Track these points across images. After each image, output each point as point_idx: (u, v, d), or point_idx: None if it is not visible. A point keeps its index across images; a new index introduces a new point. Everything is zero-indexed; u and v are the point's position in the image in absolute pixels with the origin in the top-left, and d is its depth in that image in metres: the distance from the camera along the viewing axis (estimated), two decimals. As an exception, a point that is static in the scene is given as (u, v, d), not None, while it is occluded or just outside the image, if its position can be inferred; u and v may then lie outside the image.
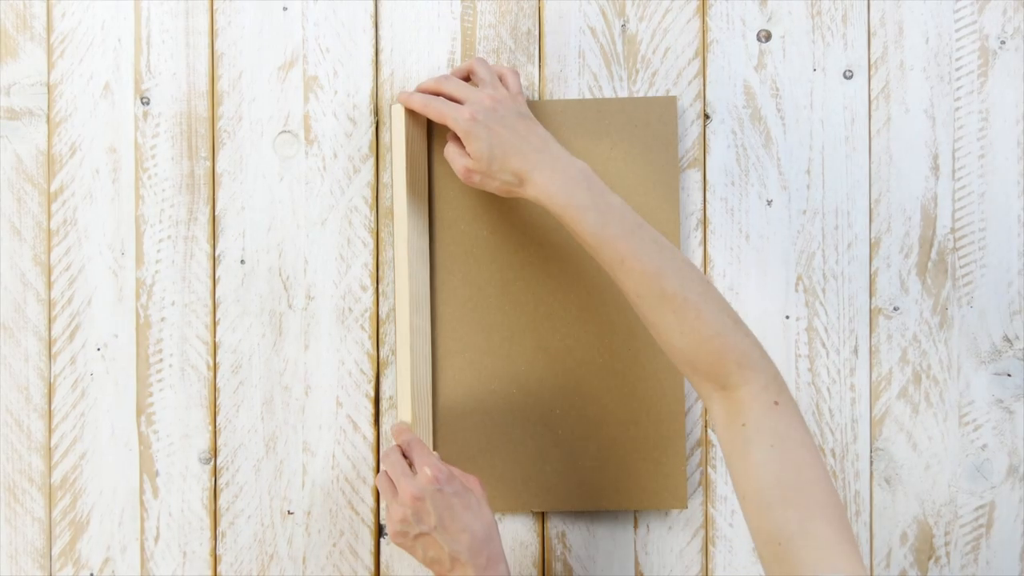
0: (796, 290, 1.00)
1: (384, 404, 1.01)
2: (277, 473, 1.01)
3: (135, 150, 1.01)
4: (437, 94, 0.93)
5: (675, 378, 0.98)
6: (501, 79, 0.95)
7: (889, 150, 1.00)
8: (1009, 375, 1.00)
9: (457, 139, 0.92)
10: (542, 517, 1.01)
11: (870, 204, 1.00)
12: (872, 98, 1.00)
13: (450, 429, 0.98)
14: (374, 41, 1.01)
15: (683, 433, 0.97)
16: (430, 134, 0.99)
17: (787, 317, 1.00)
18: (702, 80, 1.00)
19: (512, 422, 0.98)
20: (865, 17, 1.00)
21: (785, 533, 0.75)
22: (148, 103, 1.01)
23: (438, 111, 0.92)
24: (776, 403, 0.81)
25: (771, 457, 0.79)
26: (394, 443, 0.94)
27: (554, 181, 0.88)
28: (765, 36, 1.00)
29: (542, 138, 0.90)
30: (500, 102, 0.91)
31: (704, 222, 1.00)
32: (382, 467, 0.92)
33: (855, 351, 1.00)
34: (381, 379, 1.01)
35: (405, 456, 0.92)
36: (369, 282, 1.01)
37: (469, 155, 0.90)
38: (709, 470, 1.00)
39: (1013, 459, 1.00)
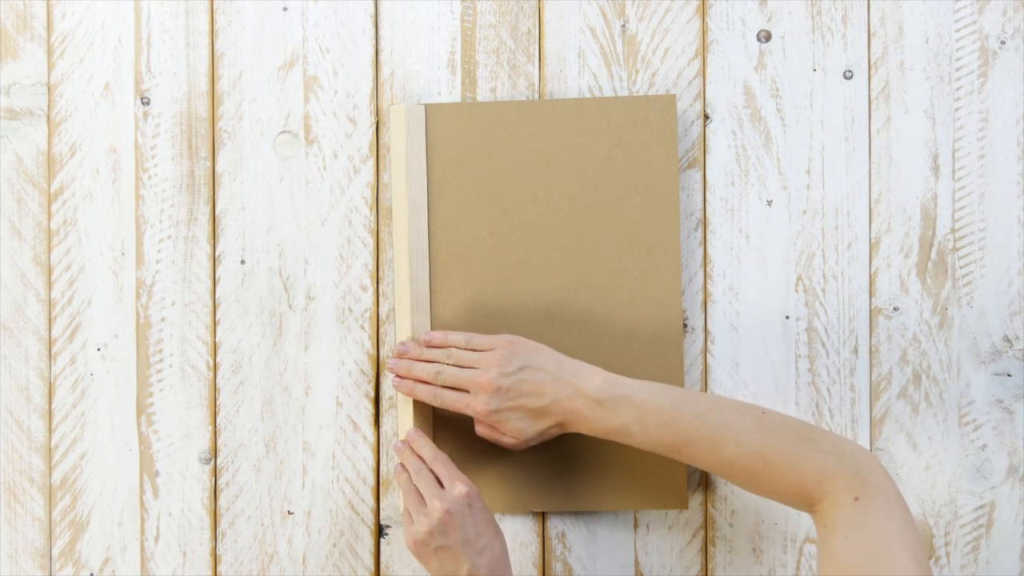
0: (796, 290, 1.00)
1: (384, 404, 1.01)
2: (277, 473, 1.01)
3: (135, 150, 1.01)
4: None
5: (675, 379, 0.98)
6: (474, 348, 0.93)
7: (889, 150, 1.00)
8: (1009, 375, 1.00)
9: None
10: (542, 517, 1.01)
11: (870, 204, 1.00)
12: (872, 98, 1.00)
13: (450, 429, 0.98)
14: (374, 41, 1.01)
15: (683, 433, 0.97)
16: (429, 136, 0.99)
17: (787, 317, 1.00)
18: (702, 80, 1.00)
19: (512, 422, 0.98)
20: (865, 17, 1.00)
21: None
22: (148, 103, 1.01)
23: (453, 403, 0.92)
24: (856, 499, 0.81)
25: (847, 546, 0.79)
26: (408, 450, 0.94)
27: (584, 420, 0.89)
28: (765, 36, 1.00)
29: (552, 377, 0.89)
30: (500, 375, 0.90)
31: (704, 222, 1.00)
32: (413, 482, 0.92)
33: (855, 351, 1.00)
34: (381, 379, 1.01)
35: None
36: (369, 282, 1.01)
37: (506, 435, 0.91)
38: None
39: (1013, 459, 1.00)
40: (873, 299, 1.00)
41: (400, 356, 0.96)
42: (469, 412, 0.91)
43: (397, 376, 0.95)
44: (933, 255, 1.00)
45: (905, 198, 1.00)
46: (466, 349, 0.93)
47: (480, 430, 0.93)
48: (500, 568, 0.89)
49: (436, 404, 0.93)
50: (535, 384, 0.89)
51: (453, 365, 0.92)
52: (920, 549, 0.79)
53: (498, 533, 0.91)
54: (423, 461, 0.93)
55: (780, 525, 1.00)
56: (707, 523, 1.00)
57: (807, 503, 0.84)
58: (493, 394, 0.89)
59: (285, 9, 1.01)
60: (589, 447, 0.98)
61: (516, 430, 0.90)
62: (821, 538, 0.82)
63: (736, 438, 0.85)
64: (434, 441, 0.98)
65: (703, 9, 1.00)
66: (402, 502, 0.97)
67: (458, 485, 0.90)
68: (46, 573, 1.01)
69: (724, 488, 1.00)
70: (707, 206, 1.00)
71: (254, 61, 1.01)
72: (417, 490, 0.92)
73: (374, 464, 1.01)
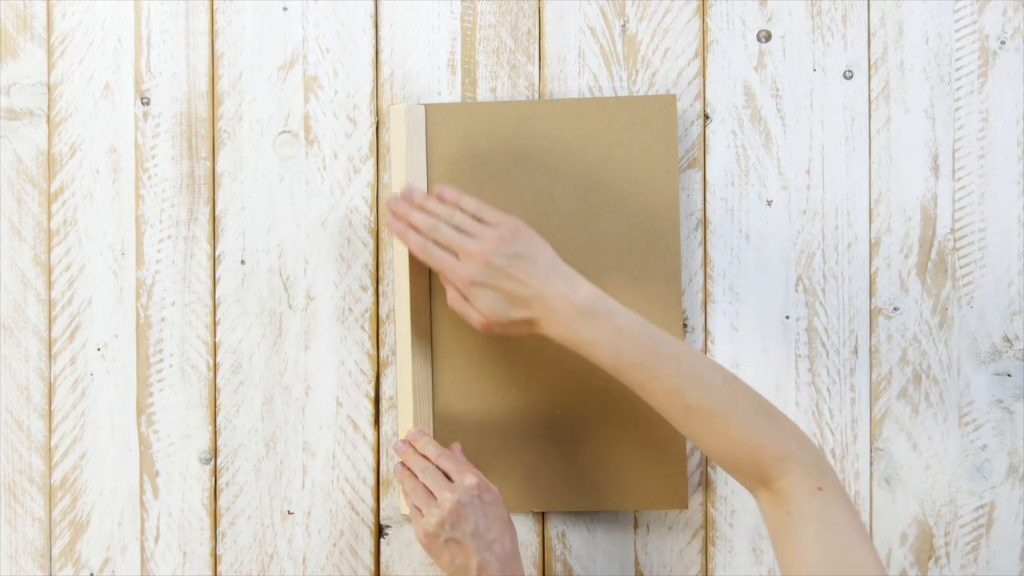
0: (796, 290, 1.00)
1: (384, 404, 1.01)
2: (277, 473, 1.01)
3: (135, 150, 1.01)
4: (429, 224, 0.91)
5: (675, 378, 0.98)
6: (480, 218, 0.91)
7: (889, 150, 1.00)
8: (1009, 375, 1.00)
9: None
10: (542, 517, 1.01)
11: (870, 204, 1.00)
12: (872, 98, 1.00)
13: (450, 429, 0.98)
14: (374, 41, 1.01)
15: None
16: (429, 136, 0.99)
17: (787, 317, 1.00)
18: (702, 80, 1.00)
19: (512, 422, 0.98)
20: (865, 17, 1.00)
21: None
22: (148, 103, 1.01)
23: (438, 262, 0.90)
24: (820, 488, 0.80)
25: (818, 542, 0.78)
26: (411, 449, 0.94)
27: (559, 323, 0.86)
28: (765, 36, 1.00)
29: (543, 273, 0.87)
30: (494, 252, 0.87)
31: (704, 222, 1.00)
32: (420, 479, 0.92)
33: (855, 351, 1.00)
34: (381, 379, 1.01)
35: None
36: (369, 282, 1.01)
37: (477, 311, 0.89)
38: (709, 470, 1.00)
39: (1013, 459, 1.00)
40: (873, 299, 1.00)
41: (405, 199, 0.93)
42: (451, 276, 0.89)
43: (393, 216, 0.92)
44: (933, 255, 1.00)
45: (905, 198, 1.00)
46: (474, 217, 0.90)
47: (452, 299, 0.90)
48: (510, 563, 0.89)
49: (421, 256, 0.90)
50: (525, 272, 0.87)
51: (453, 226, 0.90)
52: (875, 549, 0.80)
53: (509, 527, 0.90)
54: (427, 459, 0.93)
55: (780, 525, 1.00)
56: (707, 523, 1.00)
57: (760, 478, 0.83)
58: (481, 266, 0.87)
59: (285, 9, 1.01)
60: (589, 447, 0.98)
61: (489, 309, 0.87)
62: (783, 526, 0.81)
63: (704, 390, 0.84)
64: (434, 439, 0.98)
65: (703, 9, 1.00)
66: (403, 502, 0.97)
67: (468, 476, 0.90)
68: (46, 573, 1.01)
69: (724, 488, 1.00)
70: (707, 206, 1.00)
71: (254, 61, 1.01)
72: (424, 487, 0.91)
73: (374, 464, 1.01)
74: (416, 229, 0.91)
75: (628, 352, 0.85)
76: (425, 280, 0.98)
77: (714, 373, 0.85)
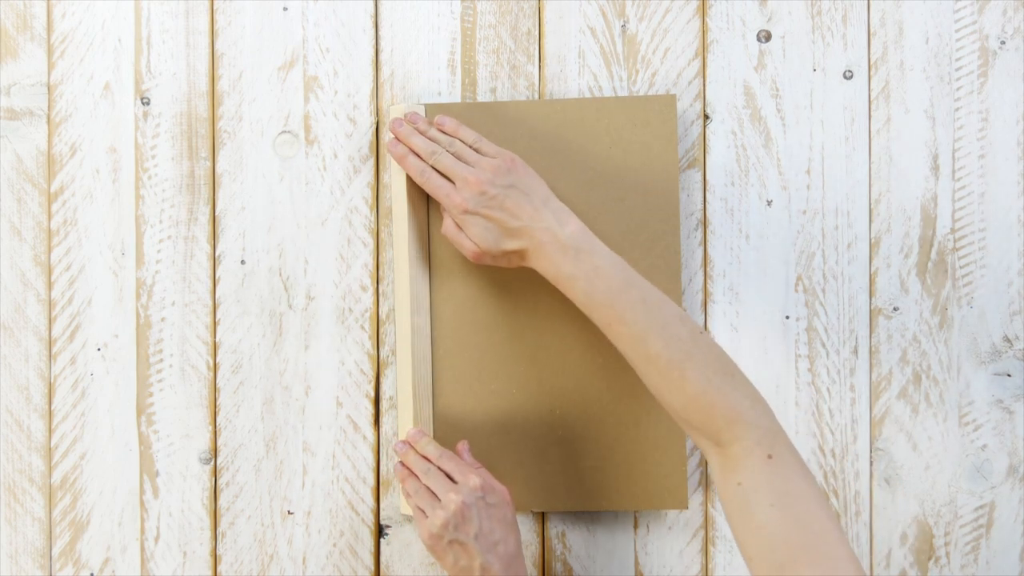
0: (796, 290, 1.00)
1: (384, 404, 1.01)
2: (277, 473, 1.01)
3: (135, 150, 1.01)
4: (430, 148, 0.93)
5: (675, 378, 0.98)
6: (478, 150, 0.93)
7: (889, 150, 1.00)
8: (1009, 375, 1.00)
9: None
10: (542, 517, 1.01)
11: (870, 204, 1.00)
12: (872, 98, 1.00)
13: (450, 429, 0.98)
14: (374, 41, 1.01)
15: (683, 433, 0.97)
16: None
17: (787, 317, 1.00)
18: (702, 80, 1.01)
19: (512, 422, 0.98)
20: (865, 17, 1.00)
21: None
22: (148, 103, 1.01)
23: (435, 188, 0.92)
24: (770, 456, 0.80)
25: (774, 516, 0.78)
26: (411, 450, 0.94)
27: (544, 257, 0.89)
28: (765, 36, 1.00)
29: (534, 206, 0.90)
30: (489, 182, 0.90)
31: (704, 222, 1.00)
32: (424, 482, 0.92)
33: (855, 351, 1.00)
34: (381, 379, 1.01)
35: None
36: (369, 282, 1.01)
37: (470, 239, 0.91)
38: (709, 470, 1.00)
39: (1013, 459, 1.00)
40: (873, 299, 1.00)
41: (408, 121, 0.95)
42: (446, 203, 0.91)
43: (396, 138, 0.95)
44: (933, 255, 1.00)
45: (905, 198, 1.00)
46: (472, 147, 0.93)
47: (447, 228, 0.92)
48: (514, 563, 0.89)
49: (419, 181, 0.93)
50: (516, 204, 0.89)
51: (452, 154, 0.92)
52: (833, 511, 0.79)
53: (513, 528, 0.90)
54: (428, 460, 0.93)
55: (780, 525, 1.00)
56: (707, 523, 1.00)
57: (713, 439, 0.82)
58: (476, 195, 0.89)
59: (285, 9, 1.01)
60: (589, 447, 0.98)
61: (481, 238, 0.90)
62: (735, 497, 0.80)
63: (666, 340, 0.84)
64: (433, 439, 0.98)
65: (703, 9, 1.01)
66: (403, 502, 0.97)
67: (472, 477, 0.90)
68: (46, 573, 1.01)
69: (724, 488, 1.00)
70: (707, 206, 1.00)
71: (254, 61, 1.01)
72: (427, 488, 0.91)
73: (374, 464, 1.01)
74: (416, 154, 0.93)
75: (600, 291, 0.87)
76: (425, 279, 0.98)
77: (681, 325, 0.85)
